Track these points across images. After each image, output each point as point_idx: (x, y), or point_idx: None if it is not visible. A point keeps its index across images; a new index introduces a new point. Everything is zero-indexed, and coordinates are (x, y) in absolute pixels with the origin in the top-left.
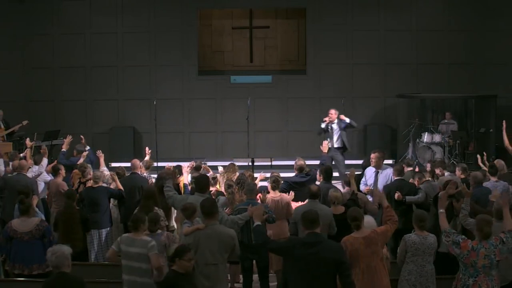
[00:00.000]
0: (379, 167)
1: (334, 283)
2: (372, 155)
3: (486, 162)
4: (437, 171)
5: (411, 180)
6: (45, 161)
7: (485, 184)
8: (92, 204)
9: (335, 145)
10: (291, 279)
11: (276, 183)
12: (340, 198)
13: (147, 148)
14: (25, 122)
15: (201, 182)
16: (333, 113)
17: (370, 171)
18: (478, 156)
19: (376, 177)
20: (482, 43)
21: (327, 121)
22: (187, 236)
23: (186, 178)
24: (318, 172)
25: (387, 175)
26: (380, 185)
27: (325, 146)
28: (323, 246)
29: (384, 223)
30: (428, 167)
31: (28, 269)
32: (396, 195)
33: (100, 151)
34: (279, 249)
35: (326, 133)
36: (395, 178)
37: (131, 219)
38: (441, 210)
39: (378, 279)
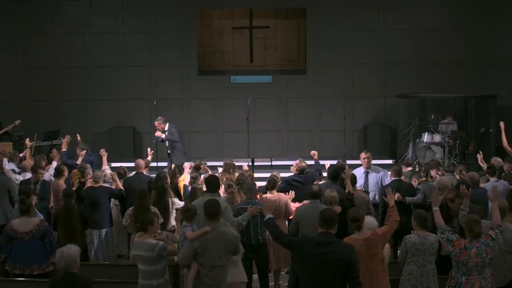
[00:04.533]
0: (369, 167)
1: (344, 283)
2: (364, 155)
3: (484, 163)
4: (432, 172)
5: (408, 180)
6: (54, 164)
7: (485, 184)
8: (92, 203)
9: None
10: (301, 276)
11: (272, 183)
12: (336, 198)
13: (149, 149)
14: (17, 122)
15: (212, 183)
16: (157, 124)
17: (359, 172)
18: (478, 155)
19: (366, 177)
20: (482, 43)
21: (160, 134)
22: (194, 241)
23: (186, 179)
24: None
25: (376, 175)
26: (370, 186)
27: (314, 153)
28: (335, 246)
29: (385, 223)
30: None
31: (28, 269)
32: (396, 196)
33: (104, 149)
34: (291, 244)
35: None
36: (393, 178)
37: (140, 220)
38: (435, 208)
39: (378, 280)
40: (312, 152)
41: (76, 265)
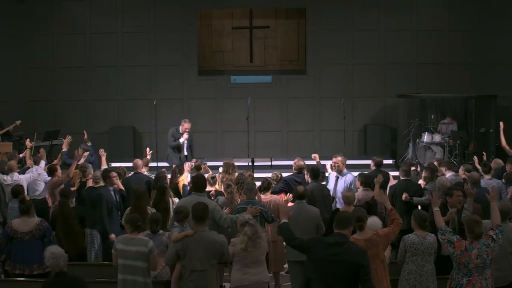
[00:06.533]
0: (340, 172)
1: (354, 285)
2: (337, 159)
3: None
4: (442, 170)
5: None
6: (43, 163)
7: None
8: (93, 204)
9: (185, 154)
10: (313, 277)
11: (266, 185)
12: (351, 198)
13: (148, 149)
14: (18, 122)
15: (198, 182)
16: (189, 126)
17: (332, 176)
18: (475, 158)
19: (336, 182)
20: (482, 43)
21: (185, 137)
22: (176, 242)
23: (186, 179)
24: (305, 172)
25: (346, 180)
26: (339, 191)
27: (316, 156)
28: (345, 248)
29: (388, 225)
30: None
31: (28, 269)
32: (404, 196)
33: (102, 150)
34: (302, 246)
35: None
36: (402, 178)
37: (154, 220)
38: (435, 209)
39: (378, 281)
40: (313, 155)
41: (65, 263)
